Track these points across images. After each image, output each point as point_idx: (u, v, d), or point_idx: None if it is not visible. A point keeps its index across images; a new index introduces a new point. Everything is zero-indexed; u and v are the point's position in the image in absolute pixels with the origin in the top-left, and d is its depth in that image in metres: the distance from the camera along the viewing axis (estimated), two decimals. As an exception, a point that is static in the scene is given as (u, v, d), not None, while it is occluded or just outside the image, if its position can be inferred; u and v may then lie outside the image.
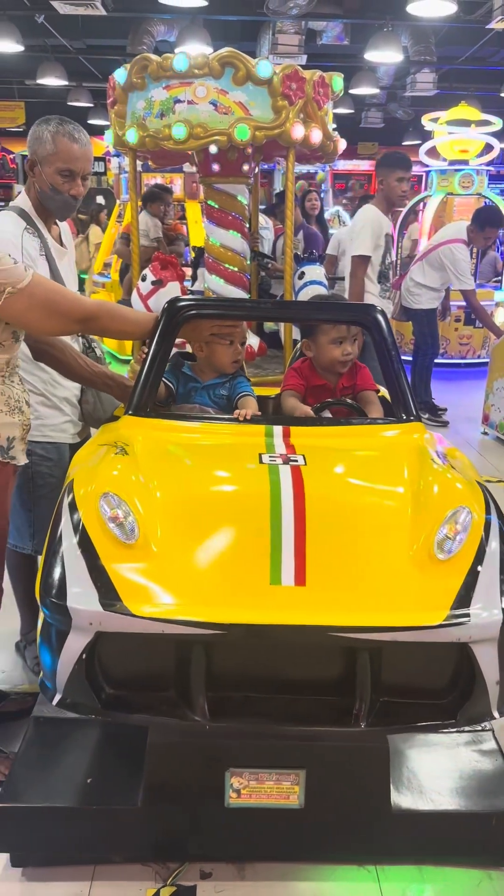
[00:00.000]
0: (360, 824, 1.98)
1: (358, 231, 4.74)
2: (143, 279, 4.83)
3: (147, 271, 4.85)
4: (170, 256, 5.00)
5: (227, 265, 4.80)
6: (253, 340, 5.06)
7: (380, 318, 2.60)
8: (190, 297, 2.52)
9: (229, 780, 1.88)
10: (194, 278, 6.37)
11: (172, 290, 4.50)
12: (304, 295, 4.97)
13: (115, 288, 8.16)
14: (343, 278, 6.66)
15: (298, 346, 3.17)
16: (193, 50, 6.54)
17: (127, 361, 6.31)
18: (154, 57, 4.28)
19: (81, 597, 1.78)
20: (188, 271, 6.89)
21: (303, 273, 5.04)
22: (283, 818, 1.93)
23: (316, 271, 5.09)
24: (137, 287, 4.52)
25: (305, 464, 2.11)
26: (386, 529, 1.96)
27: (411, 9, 7.25)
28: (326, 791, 1.92)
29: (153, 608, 1.75)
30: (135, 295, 4.52)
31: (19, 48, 8.55)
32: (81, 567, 1.83)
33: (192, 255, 7.50)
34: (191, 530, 1.92)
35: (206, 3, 7.06)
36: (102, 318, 2.27)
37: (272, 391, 3.16)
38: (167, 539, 1.89)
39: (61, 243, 2.68)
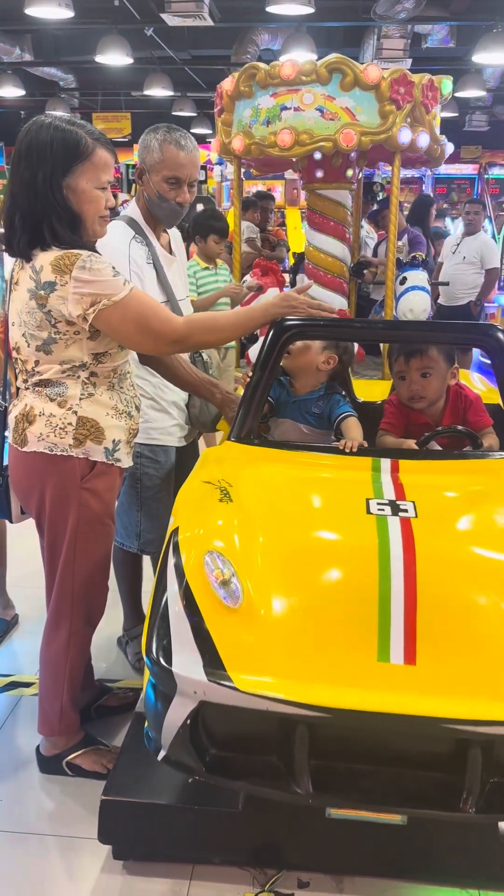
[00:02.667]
0: (464, 846, 1.92)
1: None
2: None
3: (248, 277, 4.90)
4: (270, 263, 5.04)
5: (326, 271, 4.78)
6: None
7: (500, 336, 2.42)
8: (296, 318, 2.41)
9: (331, 791, 1.86)
10: (293, 284, 6.39)
11: (272, 295, 4.53)
12: (405, 301, 4.89)
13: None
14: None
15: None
16: (298, 57, 6.55)
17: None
18: (262, 65, 4.32)
19: (186, 663, 1.75)
20: (287, 277, 6.93)
21: (405, 279, 4.96)
22: (385, 833, 1.89)
23: (419, 276, 4.99)
24: (239, 293, 4.60)
25: (416, 516, 1.98)
26: None
27: (523, 8, 7.05)
28: (431, 809, 1.86)
29: (258, 682, 1.69)
30: (235, 301, 4.62)
31: (128, 61, 8.80)
32: (186, 630, 1.79)
33: (292, 261, 7.54)
34: (296, 593, 1.84)
35: (312, 11, 7.07)
36: (195, 334, 2.19)
37: (378, 395, 3.07)
38: (272, 603, 1.82)
39: (170, 251, 2.73)
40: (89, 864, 2.07)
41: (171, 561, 1.93)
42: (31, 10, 7.07)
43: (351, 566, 1.89)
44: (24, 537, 2.73)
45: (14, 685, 2.88)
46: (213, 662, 1.73)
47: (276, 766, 1.77)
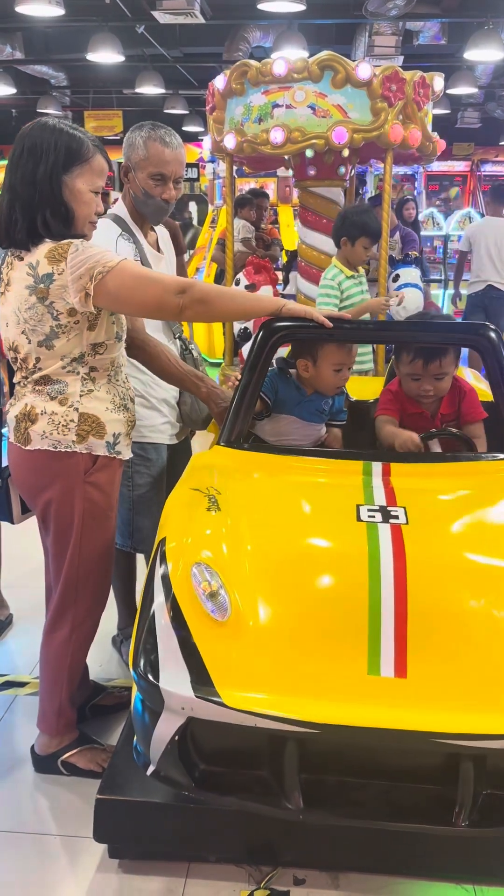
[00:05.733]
0: (460, 842, 1.92)
1: None
2: (237, 283, 4.88)
3: (241, 276, 4.90)
4: (263, 261, 5.04)
5: (319, 268, 4.79)
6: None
7: (492, 336, 2.41)
8: (286, 320, 2.39)
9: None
10: (286, 282, 6.39)
11: (265, 294, 4.53)
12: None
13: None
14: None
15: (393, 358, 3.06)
16: (290, 55, 6.55)
17: (218, 364, 6.38)
18: (254, 62, 4.32)
19: (174, 679, 1.73)
20: (280, 275, 6.92)
21: (397, 276, 4.98)
22: (381, 830, 1.89)
23: (411, 274, 5.01)
24: (232, 291, 4.57)
25: (407, 522, 1.96)
26: (496, 613, 1.79)
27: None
28: (425, 805, 1.87)
29: (246, 698, 1.68)
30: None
31: (120, 59, 8.78)
32: (173, 644, 1.77)
33: (284, 258, 7.53)
34: (284, 605, 1.83)
35: (304, 8, 7.07)
36: (197, 284, 2.18)
37: (370, 393, 3.08)
38: (260, 615, 1.81)
39: (158, 249, 2.73)
40: (85, 862, 2.07)
41: (159, 572, 1.92)
42: (21, 8, 7.04)
43: (341, 576, 1.88)
44: (19, 537, 2.73)
45: (9, 685, 2.87)
46: (200, 678, 1.72)
47: (266, 781, 1.77)
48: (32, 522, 2.40)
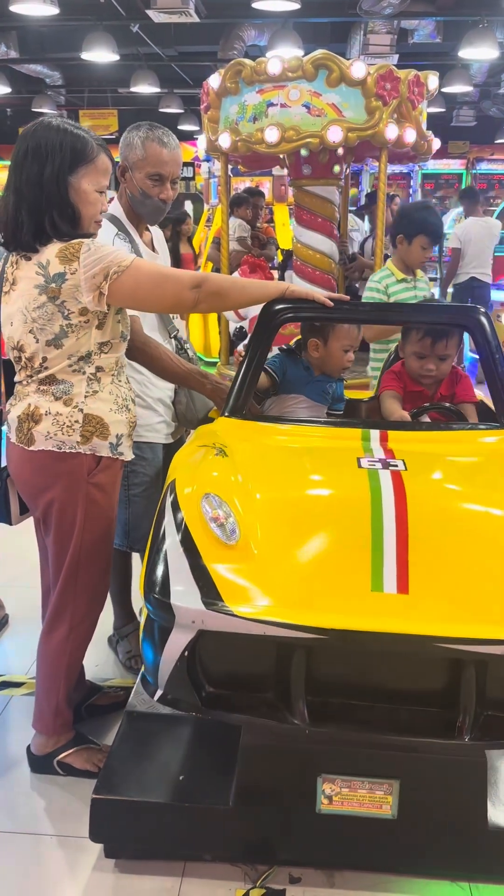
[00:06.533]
0: (454, 839, 1.93)
1: None
2: (233, 282, 4.87)
3: (236, 274, 4.90)
4: (258, 259, 5.04)
5: (314, 267, 4.79)
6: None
7: (483, 319, 2.52)
8: (288, 300, 2.46)
9: (321, 786, 1.87)
10: (281, 281, 6.38)
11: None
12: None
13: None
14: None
15: (395, 345, 3.12)
16: (284, 53, 6.54)
17: (214, 363, 6.38)
18: (248, 61, 4.31)
19: (184, 595, 1.80)
20: (275, 274, 6.92)
21: (393, 274, 4.97)
22: (376, 828, 1.90)
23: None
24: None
25: (406, 469, 2.07)
26: (492, 536, 1.90)
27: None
28: (420, 803, 1.88)
29: (254, 609, 1.75)
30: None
31: (115, 57, 8.77)
32: (184, 566, 1.85)
33: (280, 257, 7.53)
34: (290, 533, 1.91)
35: (298, 7, 7.06)
36: (211, 277, 2.26)
37: (364, 394, 3.13)
38: (267, 541, 1.89)
39: (153, 248, 2.73)
40: (81, 862, 2.07)
41: (169, 508, 1.98)
42: (15, 7, 7.03)
43: (344, 509, 1.96)
44: (14, 537, 2.73)
45: (4, 685, 2.87)
46: (210, 593, 1.78)
47: (272, 702, 1.82)
48: (27, 522, 2.40)
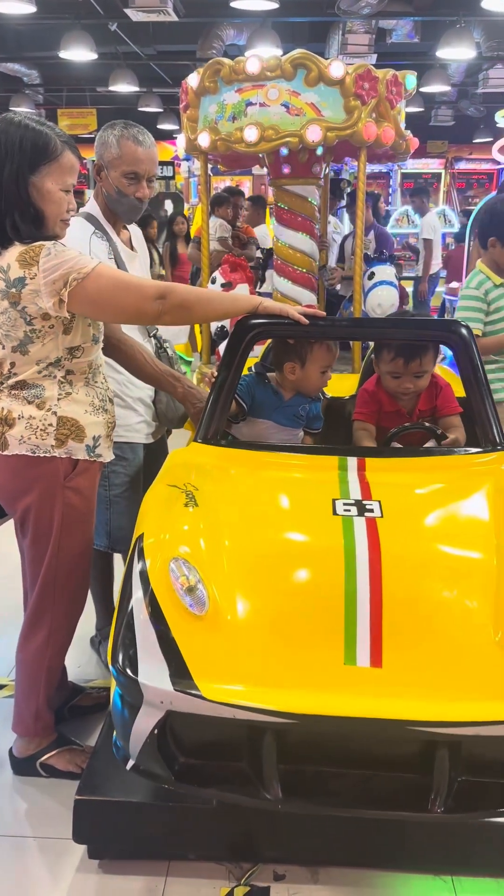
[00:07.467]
0: (436, 834, 1.94)
1: None
2: (213, 282, 4.87)
3: (216, 274, 4.90)
4: (239, 259, 5.04)
5: (295, 267, 4.79)
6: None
7: (463, 333, 2.45)
8: (259, 318, 2.40)
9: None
10: (262, 280, 6.39)
11: (241, 292, 4.53)
12: (373, 296, 4.92)
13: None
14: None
15: (369, 353, 3.08)
16: (263, 53, 6.55)
17: (190, 363, 6.37)
18: (226, 61, 4.31)
19: (153, 673, 1.75)
20: (256, 273, 6.92)
21: (373, 273, 4.99)
22: (358, 824, 1.91)
23: (386, 271, 5.04)
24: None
25: (382, 515, 2.00)
26: (470, 598, 1.84)
27: (486, 4, 7.12)
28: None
29: (224, 690, 1.69)
30: (205, 297, 4.56)
31: (93, 56, 8.73)
32: (152, 638, 1.79)
33: (261, 256, 7.53)
34: (262, 598, 1.86)
35: (276, 6, 7.07)
36: (177, 290, 2.15)
37: (346, 390, 3.09)
38: (238, 608, 1.83)
39: (131, 247, 2.72)
40: (65, 864, 2.06)
41: (137, 568, 1.92)
42: (-8, 6, 6.99)
43: (317, 569, 1.90)
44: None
45: (-14, 687, 2.85)
46: (179, 671, 1.73)
47: (245, 772, 1.78)
48: (8, 524, 2.38)
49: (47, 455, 2.12)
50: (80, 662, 2.93)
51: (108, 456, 2.27)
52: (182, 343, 7.30)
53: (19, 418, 2.11)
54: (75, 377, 2.15)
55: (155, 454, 2.81)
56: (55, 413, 2.12)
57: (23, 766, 2.37)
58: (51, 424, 2.11)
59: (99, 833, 2.04)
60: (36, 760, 2.35)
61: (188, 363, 6.89)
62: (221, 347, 4.77)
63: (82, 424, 2.16)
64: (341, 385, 3.19)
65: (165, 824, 2.00)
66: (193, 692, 1.70)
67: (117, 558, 2.94)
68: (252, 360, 2.73)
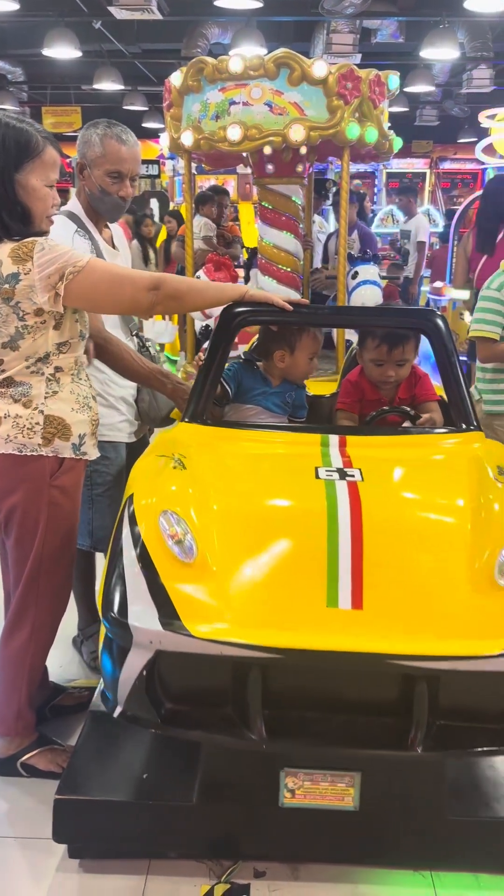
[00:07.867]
0: (415, 829, 1.96)
1: None
2: (197, 280, 4.86)
3: (201, 273, 4.90)
4: (223, 258, 5.05)
5: (280, 266, 4.80)
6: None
7: (439, 322, 2.54)
8: (247, 305, 2.48)
9: (284, 780, 1.88)
10: (247, 279, 6.39)
11: (226, 289, 4.52)
12: (357, 295, 4.93)
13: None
14: None
15: (352, 348, 3.14)
16: (248, 52, 6.56)
17: (176, 362, 6.37)
18: (210, 59, 4.31)
19: (142, 615, 1.80)
20: (241, 272, 6.93)
21: (356, 273, 5.01)
22: (338, 820, 1.93)
23: (370, 271, 5.05)
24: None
25: (362, 479, 2.08)
26: (445, 550, 1.92)
27: (468, 4, 7.15)
28: (382, 794, 1.90)
29: (211, 629, 1.75)
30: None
31: (77, 54, 8.69)
32: (142, 585, 1.84)
33: (245, 255, 7.54)
34: (247, 549, 1.91)
35: (261, 5, 7.07)
36: (169, 280, 2.23)
37: (328, 389, 3.14)
38: (224, 558, 1.89)
39: (113, 246, 2.72)
40: (45, 864, 2.06)
41: (127, 522, 1.97)
42: (-25, 2, 6.95)
43: (301, 522, 1.97)
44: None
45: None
46: (168, 613, 1.78)
47: (230, 717, 1.82)
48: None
49: (34, 454, 2.13)
50: (63, 662, 2.93)
51: (93, 454, 2.29)
52: (167, 342, 7.30)
53: (6, 417, 2.11)
54: (63, 374, 2.17)
55: (137, 453, 2.79)
56: (42, 412, 2.13)
57: (3, 765, 2.36)
58: (38, 423, 2.12)
59: (79, 832, 2.04)
60: (17, 760, 2.34)
61: (174, 362, 6.88)
62: (206, 346, 4.77)
63: (69, 423, 2.17)
64: (322, 386, 3.26)
65: (145, 823, 2.00)
66: (182, 631, 1.75)
67: (99, 557, 2.94)
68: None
